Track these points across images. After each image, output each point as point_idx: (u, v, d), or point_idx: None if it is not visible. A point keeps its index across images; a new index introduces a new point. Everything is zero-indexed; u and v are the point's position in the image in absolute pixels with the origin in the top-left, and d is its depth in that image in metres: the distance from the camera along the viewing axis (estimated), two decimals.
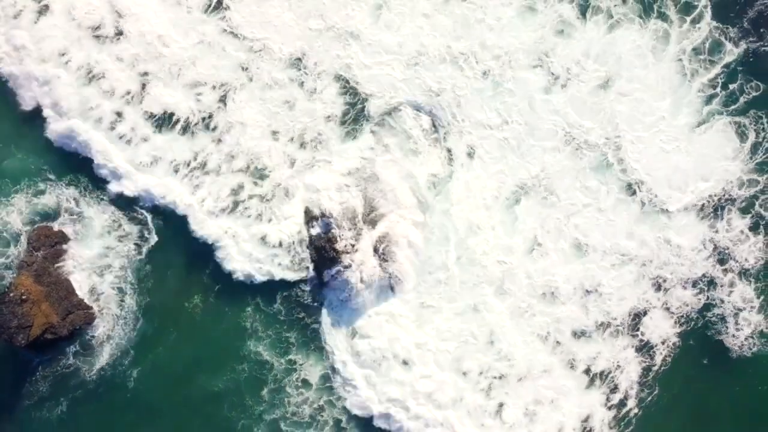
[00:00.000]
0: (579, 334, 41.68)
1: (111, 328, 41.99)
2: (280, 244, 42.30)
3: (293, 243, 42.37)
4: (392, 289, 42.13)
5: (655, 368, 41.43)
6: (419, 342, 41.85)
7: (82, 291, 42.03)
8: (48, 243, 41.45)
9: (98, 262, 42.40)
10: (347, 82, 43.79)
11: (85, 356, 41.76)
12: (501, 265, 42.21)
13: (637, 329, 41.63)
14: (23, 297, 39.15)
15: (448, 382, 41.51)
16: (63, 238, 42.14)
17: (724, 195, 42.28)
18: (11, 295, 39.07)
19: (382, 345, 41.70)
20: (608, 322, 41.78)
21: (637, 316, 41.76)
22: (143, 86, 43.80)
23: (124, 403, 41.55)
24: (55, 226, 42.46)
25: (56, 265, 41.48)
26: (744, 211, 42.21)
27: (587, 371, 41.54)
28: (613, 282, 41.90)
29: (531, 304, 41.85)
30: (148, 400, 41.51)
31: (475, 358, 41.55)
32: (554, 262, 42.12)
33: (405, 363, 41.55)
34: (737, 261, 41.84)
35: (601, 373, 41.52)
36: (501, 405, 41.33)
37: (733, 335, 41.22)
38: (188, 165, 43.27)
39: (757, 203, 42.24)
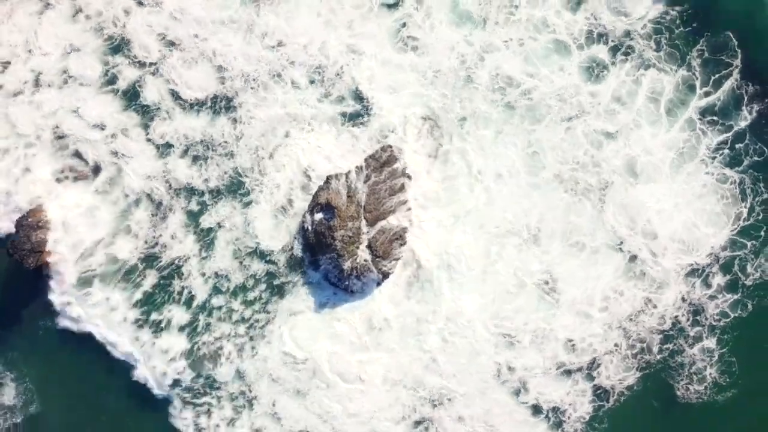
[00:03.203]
0: (538, 372, 42.91)
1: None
2: (274, 253, 44.86)
3: (286, 247, 44.79)
4: (379, 284, 44.08)
5: (607, 407, 42.37)
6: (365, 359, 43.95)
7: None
8: (72, 177, 44.97)
9: None
10: (361, 91, 45.49)
11: None
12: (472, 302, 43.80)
13: (597, 369, 42.66)
14: (39, 224, 42.46)
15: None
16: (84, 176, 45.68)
17: (711, 260, 42.79)
18: (29, 220, 42.40)
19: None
20: (565, 362, 42.92)
21: (597, 360, 42.77)
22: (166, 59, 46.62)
23: None
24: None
25: None
26: (726, 269, 42.72)
27: (536, 406, 42.76)
28: (582, 331, 42.86)
29: (491, 346, 43.21)
30: None
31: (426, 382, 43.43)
32: (525, 304, 43.30)
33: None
34: (707, 317, 42.52)
35: (552, 408, 42.67)
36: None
37: (686, 385, 42.11)
38: (203, 143, 45.95)
39: (736, 262, 42.78)
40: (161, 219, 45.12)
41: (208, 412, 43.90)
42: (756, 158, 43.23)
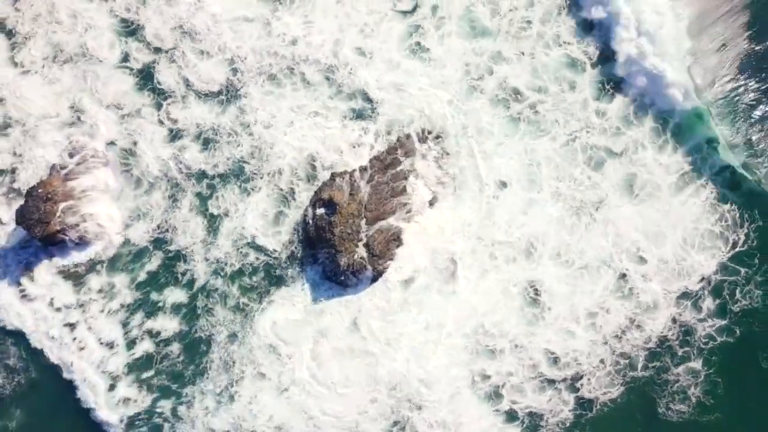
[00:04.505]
0: (517, 382, 42.92)
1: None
2: (275, 249, 45.67)
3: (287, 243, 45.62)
4: (373, 281, 44.68)
5: (589, 416, 42.26)
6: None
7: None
8: (85, 155, 46.09)
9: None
10: (368, 92, 46.58)
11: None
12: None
13: (580, 381, 42.55)
14: (48, 196, 43.66)
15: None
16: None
17: (703, 285, 42.69)
18: (39, 191, 43.59)
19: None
20: (546, 374, 42.92)
21: (580, 373, 42.72)
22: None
23: None
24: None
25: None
26: (716, 293, 42.55)
27: (512, 413, 42.70)
28: (566, 345, 42.81)
29: (472, 355, 43.30)
30: None
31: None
32: (511, 316, 43.41)
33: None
34: (697, 339, 42.35)
35: (529, 414, 42.65)
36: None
37: (667, 403, 41.97)
38: (213, 130, 47.22)
39: (725, 285, 42.58)
40: (174, 202, 46.30)
41: (190, 403, 44.54)
42: (755, 185, 42.98)
